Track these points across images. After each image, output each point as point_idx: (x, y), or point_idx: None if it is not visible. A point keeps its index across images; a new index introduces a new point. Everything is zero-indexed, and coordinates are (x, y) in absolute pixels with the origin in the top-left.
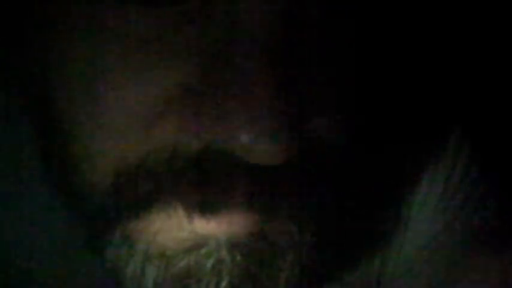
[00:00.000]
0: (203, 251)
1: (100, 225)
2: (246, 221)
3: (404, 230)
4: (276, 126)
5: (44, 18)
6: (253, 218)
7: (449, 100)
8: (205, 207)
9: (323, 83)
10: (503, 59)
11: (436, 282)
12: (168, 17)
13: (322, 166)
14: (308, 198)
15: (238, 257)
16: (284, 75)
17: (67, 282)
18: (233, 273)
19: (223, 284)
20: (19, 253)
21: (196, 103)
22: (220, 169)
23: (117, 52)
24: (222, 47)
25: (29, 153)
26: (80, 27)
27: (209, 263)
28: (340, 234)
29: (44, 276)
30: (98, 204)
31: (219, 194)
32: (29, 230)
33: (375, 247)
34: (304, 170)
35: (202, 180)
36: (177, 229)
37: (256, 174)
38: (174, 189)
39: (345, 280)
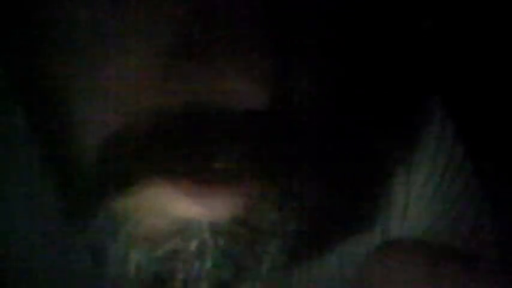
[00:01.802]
0: (186, 233)
1: (84, 202)
2: (227, 206)
3: (402, 218)
4: (262, 70)
5: None
6: (234, 204)
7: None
8: (189, 188)
9: (309, 37)
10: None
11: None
12: None
13: (305, 128)
14: (292, 180)
15: (221, 241)
16: (272, 26)
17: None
18: (216, 255)
19: (207, 265)
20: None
21: (181, 60)
22: (206, 128)
23: (103, 16)
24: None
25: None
26: None
27: (193, 246)
28: (324, 220)
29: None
30: (84, 178)
31: (204, 164)
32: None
33: (360, 230)
34: (289, 135)
35: (188, 146)
36: (162, 214)
37: (240, 138)
38: (159, 161)
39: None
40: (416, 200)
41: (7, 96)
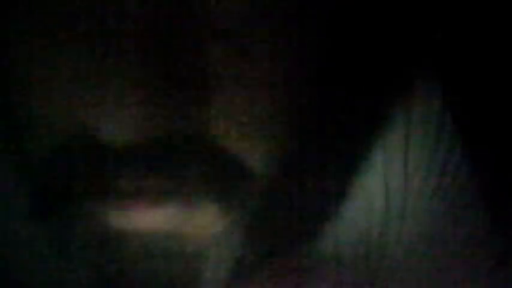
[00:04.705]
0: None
1: (47, 202)
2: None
3: (401, 218)
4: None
5: None
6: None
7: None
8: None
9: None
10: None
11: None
12: None
13: None
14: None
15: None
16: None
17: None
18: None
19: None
20: None
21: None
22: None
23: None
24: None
25: None
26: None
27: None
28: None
29: None
30: (43, 177)
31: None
32: None
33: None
34: None
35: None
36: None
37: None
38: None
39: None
40: (415, 200)
41: None
